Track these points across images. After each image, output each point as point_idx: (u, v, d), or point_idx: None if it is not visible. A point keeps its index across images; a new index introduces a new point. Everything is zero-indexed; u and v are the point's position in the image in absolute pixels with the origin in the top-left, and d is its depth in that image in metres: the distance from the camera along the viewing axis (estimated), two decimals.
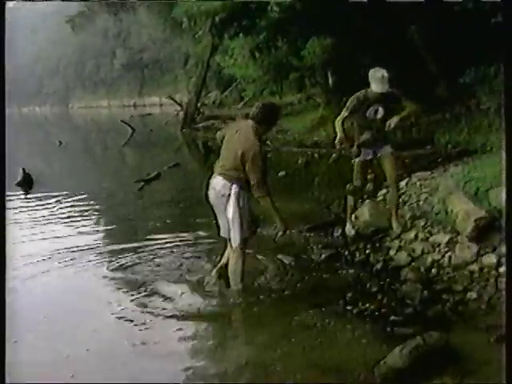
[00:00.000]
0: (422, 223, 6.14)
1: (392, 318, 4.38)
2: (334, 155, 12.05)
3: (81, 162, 18.71)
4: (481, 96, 12.08)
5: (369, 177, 7.10)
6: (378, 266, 5.54)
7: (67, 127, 40.32)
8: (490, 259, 5.12)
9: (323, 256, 5.94)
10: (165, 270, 5.88)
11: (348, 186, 6.52)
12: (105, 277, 5.82)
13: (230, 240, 5.11)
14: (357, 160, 6.36)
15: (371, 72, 6.03)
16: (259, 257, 6.06)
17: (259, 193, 4.83)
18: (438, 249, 5.52)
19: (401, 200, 7.58)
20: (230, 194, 4.94)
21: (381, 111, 6.17)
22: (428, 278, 5.09)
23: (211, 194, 5.11)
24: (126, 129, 23.23)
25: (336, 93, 18.23)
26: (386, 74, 5.91)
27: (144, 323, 4.62)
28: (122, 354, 4.18)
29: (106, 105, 64.16)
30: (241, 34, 16.77)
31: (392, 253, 5.81)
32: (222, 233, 5.20)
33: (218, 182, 5.02)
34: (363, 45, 15.90)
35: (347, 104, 6.25)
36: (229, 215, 4.98)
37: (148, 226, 8.06)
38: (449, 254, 5.38)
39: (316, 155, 13.77)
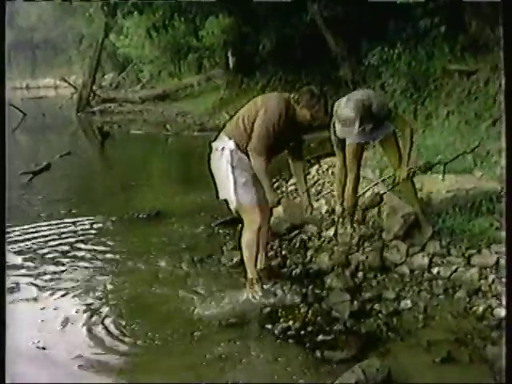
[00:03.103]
0: (341, 219, 5.54)
1: (320, 337, 3.76)
2: None
3: None
4: (386, 78, 11.77)
5: None
6: (297, 270, 4.88)
7: None
8: (421, 260, 4.62)
9: (235, 260, 5.23)
10: None
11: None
12: None
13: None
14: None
15: (336, 106, 4.65)
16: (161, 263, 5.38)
17: (254, 150, 4.26)
18: (362, 248, 4.96)
19: (314, 190, 7.07)
20: (224, 148, 4.34)
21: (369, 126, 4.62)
22: (355, 285, 4.49)
23: (212, 156, 4.50)
24: (18, 113, 21.49)
25: (236, 74, 17.72)
26: (350, 114, 4.47)
27: None
28: None
29: None
30: (135, 13, 15.77)
31: (311, 253, 5.19)
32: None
33: (219, 139, 4.47)
34: (263, 25, 15.38)
35: (334, 148, 5.10)
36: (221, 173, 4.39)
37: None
38: (374, 254, 4.82)
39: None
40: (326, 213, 5.95)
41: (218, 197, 4.57)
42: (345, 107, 4.55)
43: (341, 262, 4.80)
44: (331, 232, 5.43)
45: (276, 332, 3.86)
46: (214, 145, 4.48)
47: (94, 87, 24.78)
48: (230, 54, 17.99)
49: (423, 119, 10.31)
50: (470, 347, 3.54)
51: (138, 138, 16.46)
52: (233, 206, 4.43)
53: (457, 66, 10.39)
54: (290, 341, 3.76)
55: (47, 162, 11.39)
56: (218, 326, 4.01)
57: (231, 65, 18.14)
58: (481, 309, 3.94)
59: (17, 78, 59.69)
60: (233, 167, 4.30)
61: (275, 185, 7.86)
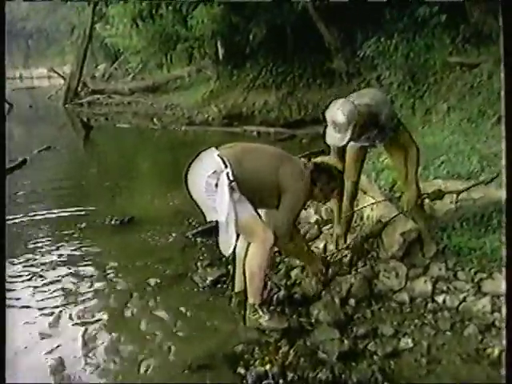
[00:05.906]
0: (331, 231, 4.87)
1: None
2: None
3: None
4: (382, 70, 11.11)
5: None
6: (280, 294, 4.20)
7: None
8: (424, 286, 3.95)
9: (209, 280, 4.56)
10: None
11: None
12: None
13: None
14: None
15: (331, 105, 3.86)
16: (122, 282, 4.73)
17: (283, 240, 3.79)
18: (354, 270, 4.29)
19: None
20: (216, 172, 3.65)
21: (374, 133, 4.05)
22: (346, 316, 3.81)
23: (198, 178, 3.77)
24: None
25: (226, 66, 17.05)
26: (341, 118, 3.71)
27: None
28: None
29: None
30: (121, 1, 15.12)
31: (296, 273, 4.50)
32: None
33: (209, 159, 3.76)
34: (253, 14, 14.68)
35: (331, 152, 4.25)
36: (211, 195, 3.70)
37: None
38: (369, 277, 4.14)
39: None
40: (315, 223, 5.27)
41: (205, 220, 3.89)
42: (332, 108, 3.81)
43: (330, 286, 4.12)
44: (320, 245, 4.77)
45: (249, 380, 3.19)
46: (202, 165, 3.78)
47: (87, 78, 24.06)
48: (219, 45, 17.26)
49: (422, 115, 9.69)
50: None
51: (124, 132, 15.77)
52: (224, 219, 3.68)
53: (458, 58, 9.79)
54: None
55: (23, 158, 10.67)
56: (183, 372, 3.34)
57: (221, 56, 17.42)
58: (496, 351, 3.28)
59: (9, 68, 59.12)
60: (232, 189, 3.62)
61: None
